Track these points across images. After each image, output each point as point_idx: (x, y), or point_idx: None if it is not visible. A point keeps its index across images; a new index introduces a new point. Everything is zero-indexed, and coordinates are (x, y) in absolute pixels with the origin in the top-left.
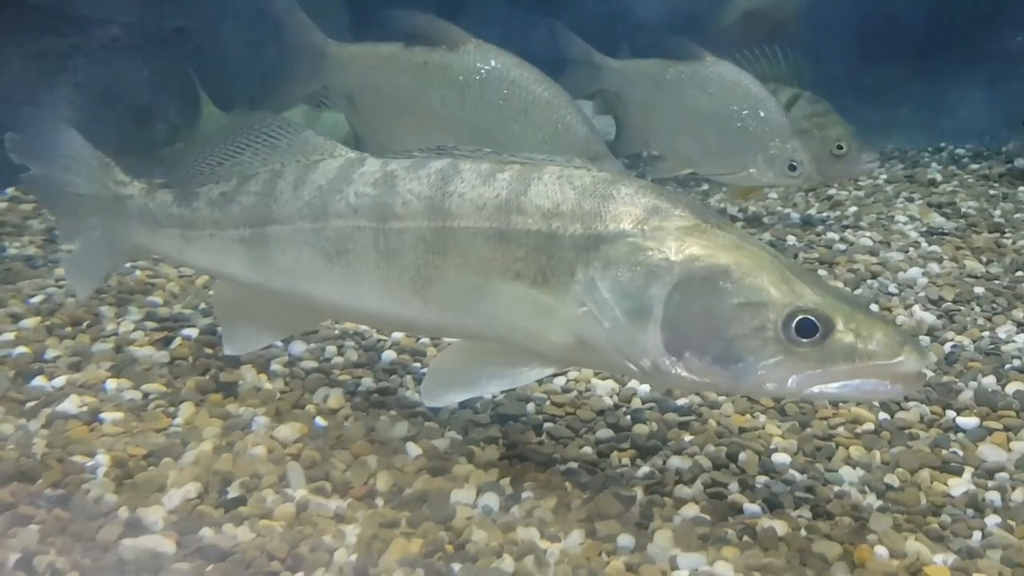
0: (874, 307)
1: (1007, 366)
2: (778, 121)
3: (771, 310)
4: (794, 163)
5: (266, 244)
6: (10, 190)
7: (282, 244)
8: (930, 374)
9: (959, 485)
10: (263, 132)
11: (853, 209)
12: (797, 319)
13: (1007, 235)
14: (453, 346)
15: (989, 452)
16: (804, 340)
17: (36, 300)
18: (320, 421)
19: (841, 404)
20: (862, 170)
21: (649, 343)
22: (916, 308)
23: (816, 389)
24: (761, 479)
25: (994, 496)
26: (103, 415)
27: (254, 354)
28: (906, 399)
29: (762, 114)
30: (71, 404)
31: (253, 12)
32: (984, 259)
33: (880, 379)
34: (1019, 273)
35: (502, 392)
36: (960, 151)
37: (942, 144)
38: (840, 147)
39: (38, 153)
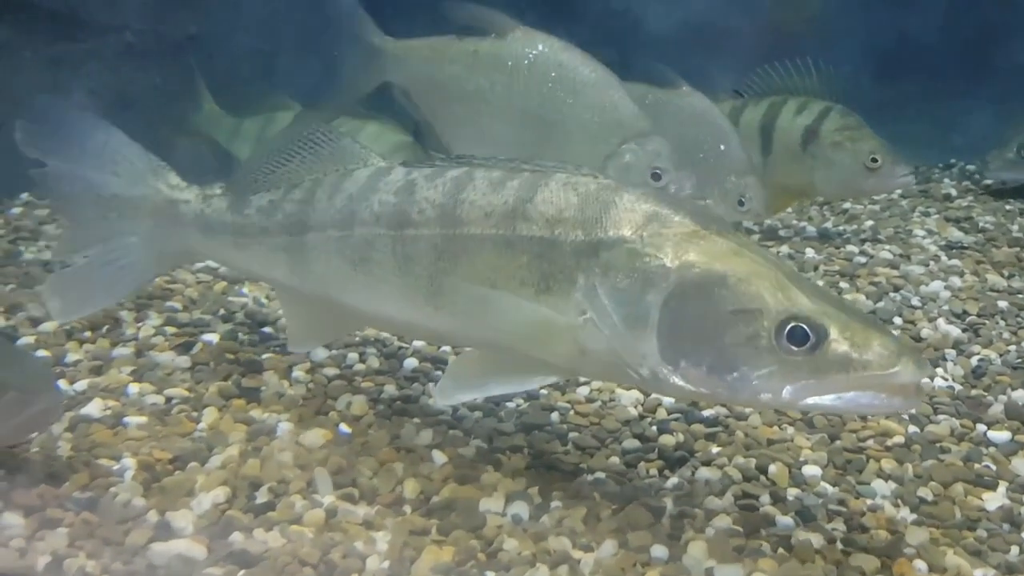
0: (898, 320)
1: None
2: (737, 156)
3: (765, 317)
4: (743, 200)
5: (303, 251)
6: (25, 195)
7: (316, 251)
8: (958, 387)
9: (994, 499)
10: (309, 141)
11: (870, 223)
12: (790, 326)
13: None
14: (467, 353)
15: (1022, 466)
16: (797, 348)
17: None
18: (344, 428)
19: (869, 417)
20: (897, 184)
21: (646, 351)
22: (940, 321)
23: (811, 400)
24: (792, 491)
25: None
26: (127, 419)
27: (275, 360)
28: (935, 412)
29: (723, 148)
30: (94, 408)
31: (265, 20)
32: (1006, 273)
33: (876, 391)
34: None
35: (525, 401)
36: (971, 167)
37: (952, 160)
38: (875, 160)
39: (60, 147)
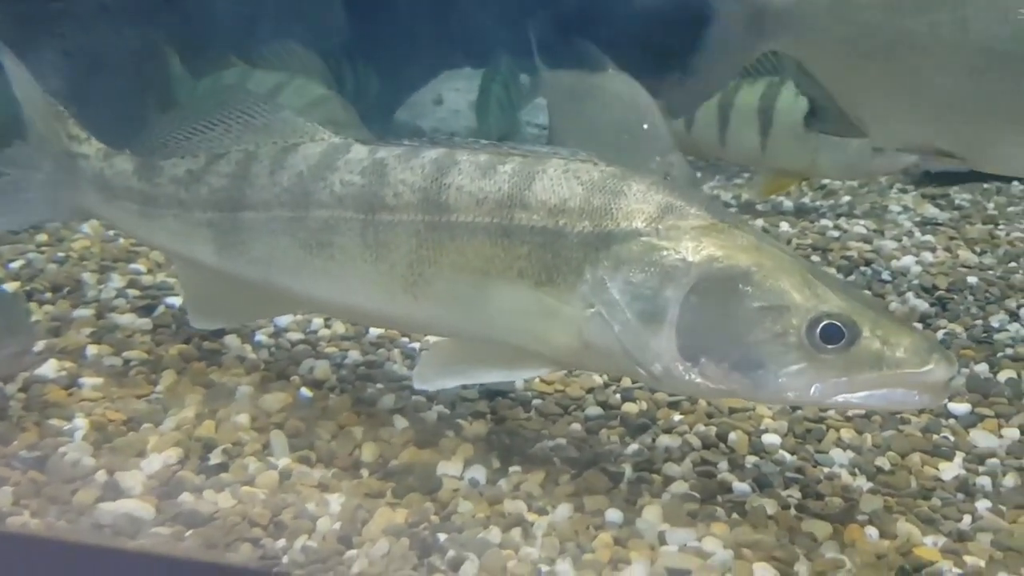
0: (867, 293)
1: (999, 354)
2: (661, 136)
3: (794, 315)
4: (668, 177)
5: (238, 231)
6: None
7: (256, 232)
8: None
9: (950, 469)
10: (238, 109)
11: (847, 198)
12: (822, 324)
13: (1001, 227)
14: (451, 339)
15: (980, 438)
16: (829, 347)
17: (16, 265)
18: (305, 392)
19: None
20: (903, 163)
21: (662, 347)
22: (909, 295)
23: (840, 398)
24: (751, 459)
25: (985, 481)
26: (82, 380)
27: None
28: None
29: (646, 127)
30: (49, 368)
31: None
32: (978, 250)
33: (907, 388)
34: (1012, 264)
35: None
36: None
37: None
38: None
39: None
